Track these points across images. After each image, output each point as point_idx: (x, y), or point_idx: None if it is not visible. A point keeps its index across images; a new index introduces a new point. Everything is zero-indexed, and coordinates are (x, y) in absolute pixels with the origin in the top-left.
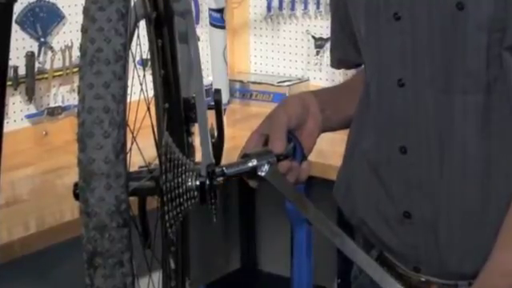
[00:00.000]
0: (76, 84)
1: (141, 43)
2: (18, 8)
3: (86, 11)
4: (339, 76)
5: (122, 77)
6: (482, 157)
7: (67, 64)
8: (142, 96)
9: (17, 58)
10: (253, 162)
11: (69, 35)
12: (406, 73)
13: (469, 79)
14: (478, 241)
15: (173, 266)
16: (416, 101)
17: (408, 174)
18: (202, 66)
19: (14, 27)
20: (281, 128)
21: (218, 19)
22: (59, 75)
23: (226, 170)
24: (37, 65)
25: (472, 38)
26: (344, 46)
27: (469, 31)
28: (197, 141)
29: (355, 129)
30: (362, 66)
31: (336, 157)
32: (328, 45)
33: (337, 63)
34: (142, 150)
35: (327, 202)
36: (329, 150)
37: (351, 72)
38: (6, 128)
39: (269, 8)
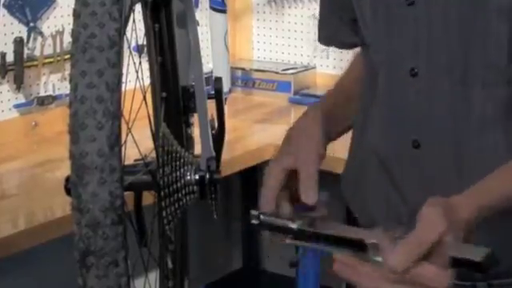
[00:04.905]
0: (67, 72)
1: (136, 28)
2: None
3: None
4: (347, 63)
5: (117, 64)
6: (501, 155)
7: (58, 50)
8: (138, 84)
9: (4, 44)
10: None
11: (60, 20)
12: (419, 62)
13: (489, 71)
14: (494, 242)
15: (170, 265)
16: (430, 92)
17: (421, 170)
18: (202, 53)
19: (2, 11)
20: (313, 171)
21: (219, 2)
22: (50, 62)
23: (262, 217)
24: (26, 51)
25: (493, 27)
26: (333, 22)
27: (490, 20)
28: (196, 132)
29: (360, 121)
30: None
31: (345, 150)
32: None
33: (324, 40)
34: (138, 142)
35: (336, 198)
36: (337, 143)
37: None
38: None
39: None
